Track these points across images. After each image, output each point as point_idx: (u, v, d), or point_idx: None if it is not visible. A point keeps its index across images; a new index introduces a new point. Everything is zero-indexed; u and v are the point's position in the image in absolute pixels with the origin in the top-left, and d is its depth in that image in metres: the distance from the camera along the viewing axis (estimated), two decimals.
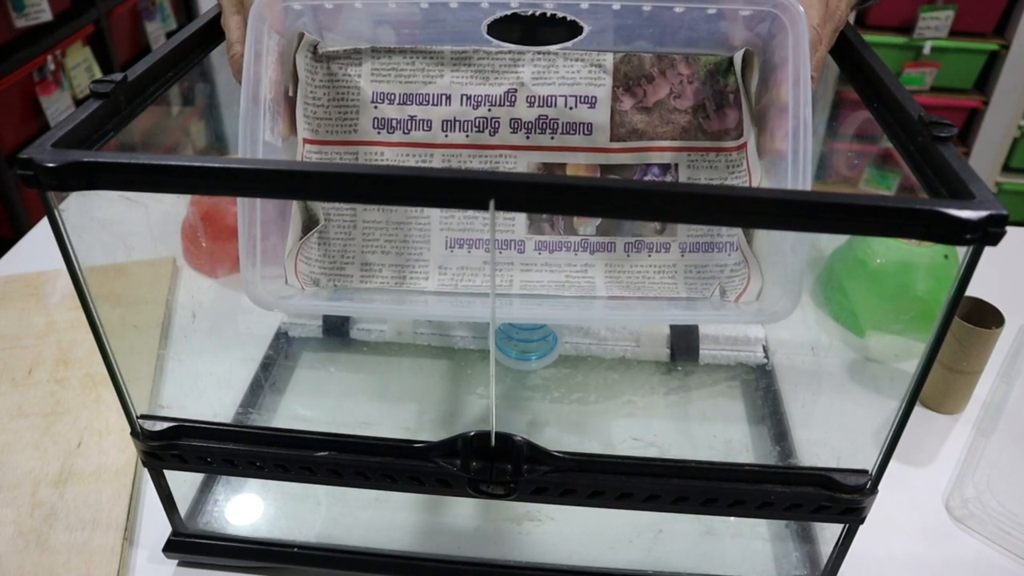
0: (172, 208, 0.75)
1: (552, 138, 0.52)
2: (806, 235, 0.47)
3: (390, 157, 0.53)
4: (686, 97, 0.51)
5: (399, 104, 0.52)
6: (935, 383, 0.62)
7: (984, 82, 1.97)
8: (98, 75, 1.90)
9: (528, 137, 0.52)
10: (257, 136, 0.47)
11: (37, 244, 0.83)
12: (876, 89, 0.44)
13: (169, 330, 0.69)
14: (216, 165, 0.33)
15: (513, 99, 0.51)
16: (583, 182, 0.32)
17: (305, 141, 0.52)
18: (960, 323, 0.59)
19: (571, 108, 0.51)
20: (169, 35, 1.70)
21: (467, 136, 0.52)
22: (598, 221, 0.53)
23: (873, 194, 0.32)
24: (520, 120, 0.52)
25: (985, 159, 1.99)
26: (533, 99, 0.51)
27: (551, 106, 0.51)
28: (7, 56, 1.58)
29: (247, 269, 0.47)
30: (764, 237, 0.51)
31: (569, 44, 0.50)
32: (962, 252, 0.33)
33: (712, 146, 0.52)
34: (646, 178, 0.52)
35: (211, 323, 0.67)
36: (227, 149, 0.73)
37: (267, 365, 0.63)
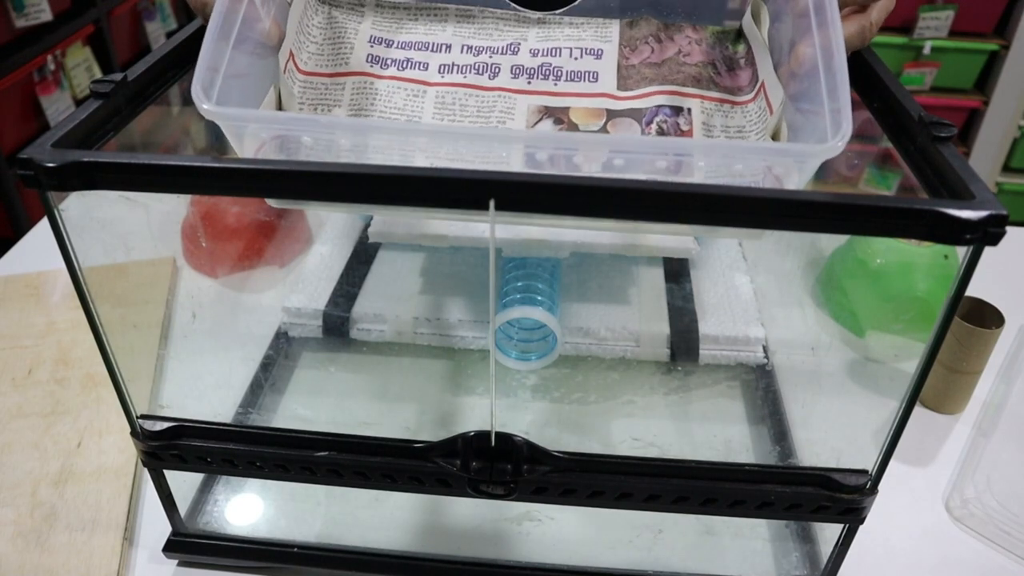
0: (172, 208, 0.75)
1: (555, 84, 0.50)
2: (840, 70, 0.38)
3: (380, 88, 0.50)
4: (695, 55, 0.49)
5: (397, 48, 0.50)
6: (935, 383, 0.62)
7: (984, 82, 1.97)
8: (98, 75, 1.89)
9: (530, 83, 0.50)
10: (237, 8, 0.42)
11: (37, 244, 0.83)
12: (876, 89, 0.44)
13: (169, 330, 0.69)
14: (216, 165, 0.33)
15: (516, 50, 0.50)
16: (587, 182, 0.32)
17: (294, 65, 0.49)
18: (960, 323, 0.59)
19: (576, 59, 0.49)
20: (169, 35, 1.70)
21: (464, 78, 0.50)
22: (603, 121, 0.50)
23: (873, 194, 0.32)
24: (522, 67, 0.50)
25: (985, 159, 1.99)
26: (537, 51, 0.49)
27: (555, 56, 0.49)
28: (7, 56, 1.58)
29: (200, 101, 0.38)
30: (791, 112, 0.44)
31: (576, 3, 0.48)
32: (962, 252, 0.33)
33: (726, 98, 0.49)
34: (656, 119, 0.49)
35: (211, 323, 0.67)
36: (227, 149, 0.73)
37: (267, 365, 0.63)
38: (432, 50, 0.50)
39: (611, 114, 0.50)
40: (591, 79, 0.49)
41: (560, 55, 0.49)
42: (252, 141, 0.41)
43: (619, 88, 0.50)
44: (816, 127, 0.38)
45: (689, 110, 0.49)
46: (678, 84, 0.49)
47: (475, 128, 0.49)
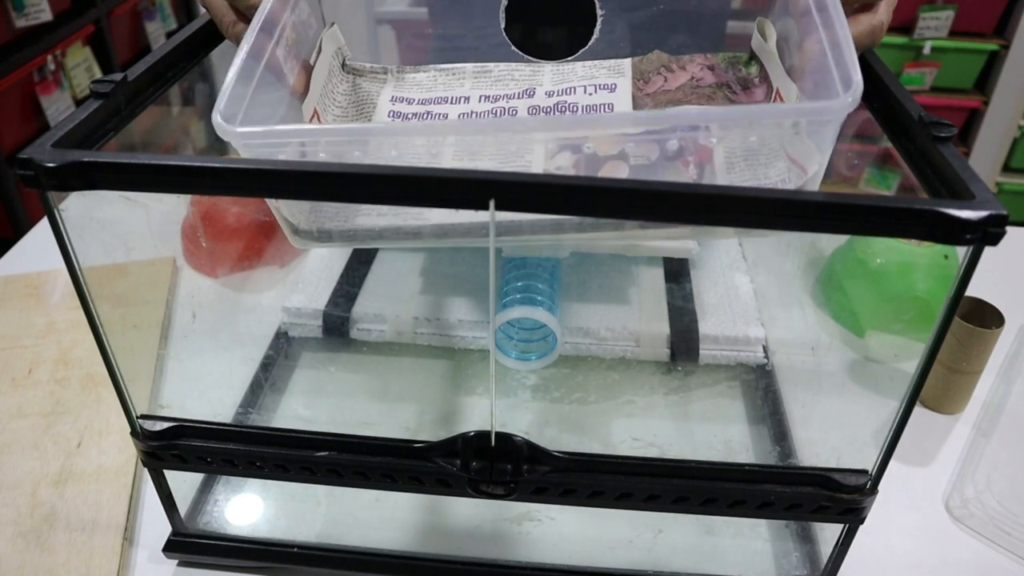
0: (172, 208, 0.75)
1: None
2: (845, 38, 0.38)
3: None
4: (708, 79, 0.50)
5: (418, 104, 0.52)
6: (935, 383, 0.62)
7: (984, 82, 1.97)
8: (98, 75, 1.89)
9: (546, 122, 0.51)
10: (261, 54, 0.43)
11: (37, 244, 0.83)
12: (876, 89, 0.44)
13: (169, 330, 0.69)
14: (216, 165, 0.33)
15: (532, 93, 0.51)
16: (587, 182, 0.32)
17: (319, 122, 0.50)
18: (960, 323, 0.59)
19: (590, 95, 0.50)
20: (169, 35, 1.70)
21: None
22: (622, 146, 0.50)
23: (873, 194, 0.32)
24: (538, 107, 0.50)
25: (985, 159, 1.99)
26: (552, 92, 0.50)
27: (570, 94, 0.50)
28: (7, 56, 1.58)
29: (221, 128, 0.39)
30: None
31: (586, 48, 0.49)
32: (962, 252, 0.33)
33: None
34: (673, 142, 0.49)
35: (211, 323, 0.67)
36: (227, 149, 0.73)
37: (267, 365, 0.63)
38: (451, 103, 0.51)
39: (628, 140, 0.50)
40: (606, 111, 0.50)
41: (575, 93, 0.50)
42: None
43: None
44: (828, 89, 0.38)
45: (707, 128, 0.49)
46: (697, 97, 0.50)
47: (494, 121, 0.49)
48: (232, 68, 0.40)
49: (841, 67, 0.37)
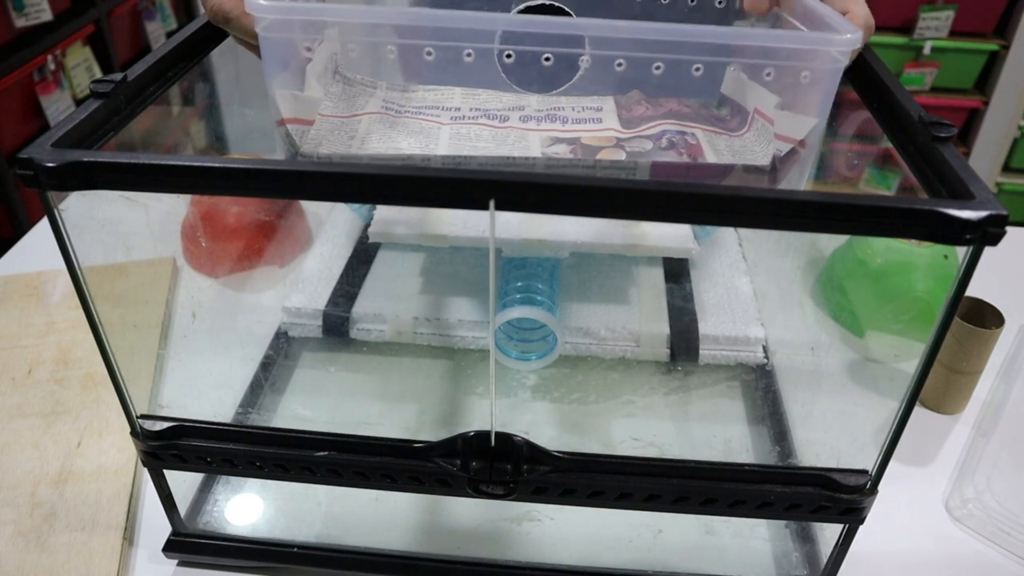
0: (172, 208, 0.75)
1: (563, 125, 0.52)
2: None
3: (396, 123, 0.52)
4: (687, 112, 0.52)
5: (409, 109, 0.53)
6: (935, 383, 0.62)
7: (984, 82, 1.97)
8: (98, 75, 1.90)
9: (539, 124, 0.52)
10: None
11: (37, 244, 0.83)
12: (876, 89, 0.44)
13: (169, 330, 0.69)
14: (216, 165, 0.33)
15: (522, 109, 0.52)
16: (586, 182, 0.32)
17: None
18: (960, 323, 0.59)
19: (578, 112, 0.53)
20: (169, 35, 1.70)
21: (476, 122, 0.52)
22: (613, 145, 0.53)
23: (873, 194, 0.32)
24: (530, 116, 0.52)
25: (985, 159, 1.99)
26: (541, 109, 0.52)
27: (559, 110, 0.52)
28: (7, 56, 1.58)
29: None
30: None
31: (572, 83, 0.50)
32: (962, 252, 0.33)
33: (724, 132, 0.52)
34: (665, 136, 0.52)
35: (211, 323, 0.67)
36: (227, 149, 0.73)
37: (267, 365, 0.63)
38: (443, 109, 0.53)
39: (620, 140, 0.52)
40: (595, 122, 0.52)
41: (563, 109, 0.53)
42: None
43: (623, 127, 0.52)
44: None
45: (694, 134, 0.51)
46: (678, 119, 0.52)
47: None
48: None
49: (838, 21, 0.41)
